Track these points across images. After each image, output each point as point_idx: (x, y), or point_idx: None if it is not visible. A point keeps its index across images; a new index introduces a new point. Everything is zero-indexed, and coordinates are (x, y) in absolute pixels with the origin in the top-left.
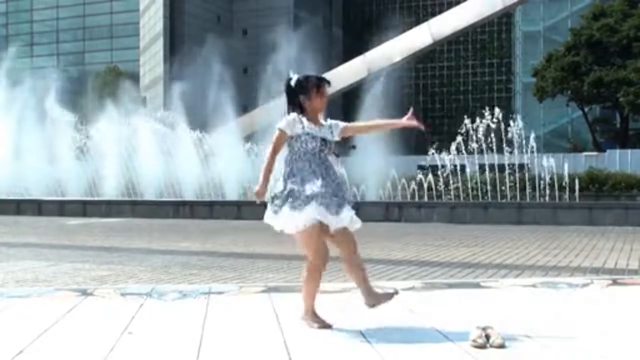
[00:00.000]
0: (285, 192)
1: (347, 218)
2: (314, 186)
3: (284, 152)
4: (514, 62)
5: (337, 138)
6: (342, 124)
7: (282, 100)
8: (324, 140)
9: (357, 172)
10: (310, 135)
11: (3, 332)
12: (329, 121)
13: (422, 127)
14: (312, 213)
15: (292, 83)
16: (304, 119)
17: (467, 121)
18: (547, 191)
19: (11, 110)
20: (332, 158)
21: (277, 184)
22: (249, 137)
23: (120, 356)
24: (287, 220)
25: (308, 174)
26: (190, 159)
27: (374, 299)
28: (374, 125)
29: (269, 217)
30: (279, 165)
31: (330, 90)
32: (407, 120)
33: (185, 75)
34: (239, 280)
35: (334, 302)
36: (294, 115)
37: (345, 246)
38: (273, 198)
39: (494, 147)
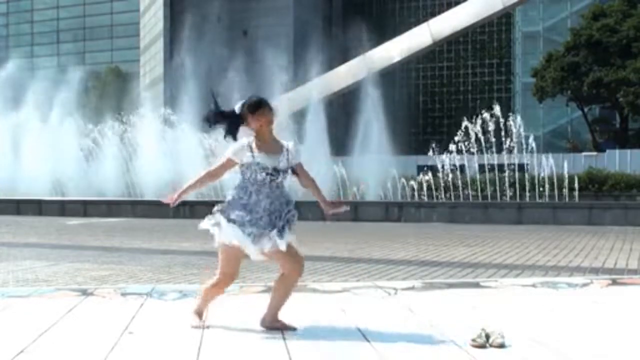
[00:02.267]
0: (223, 209)
1: (268, 245)
2: (247, 215)
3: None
4: (514, 63)
5: (290, 167)
6: (299, 163)
7: (285, 96)
8: (275, 170)
9: (357, 172)
10: (260, 166)
11: (4, 332)
12: (289, 146)
13: (342, 210)
14: (231, 236)
15: (236, 110)
16: (254, 146)
17: (466, 121)
18: (547, 191)
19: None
20: (287, 182)
21: (227, 198)
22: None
23: (121, 356)
24: (216, 232)
25: (253, 205)
26: (192, 159)
27: (271, 322)
28: (311, 187)
29: (205, 222)
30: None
31: (330, 90)
32: (329, 207)
33: (186, 75)
34: (239, 280)
35: (334, 301)
36: (243, 142)
37: (284, 267)
38: (217, 210)
39: (494, 148)
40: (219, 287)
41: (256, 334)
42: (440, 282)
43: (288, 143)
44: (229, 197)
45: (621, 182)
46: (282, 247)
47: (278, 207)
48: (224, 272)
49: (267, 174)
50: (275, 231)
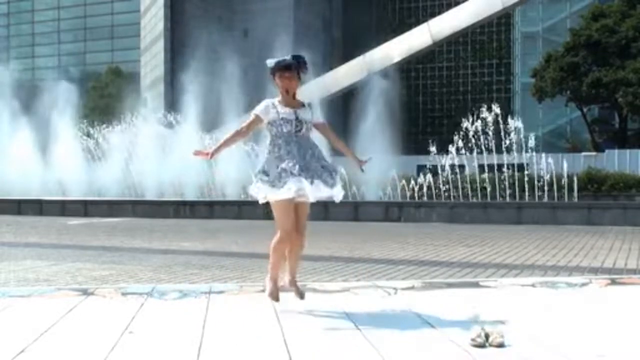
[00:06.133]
0: (264, 170)
1: (324, 190)
2: (288, 165)
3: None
4: (513, 63)
5: (313, 121)
6: (320, 118)
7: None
8: (299, 120)
9: (357, 172)
10: (284, 120)
11: (4, 332)
12: (312, 106)
13: (362, 168)
14: (286, 192)
15: (268, 65)
16: (278, 104)
17: (466, 121)
18: (546, 191)
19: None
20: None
21: (260, 162)
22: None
23: (121, 355)
24: (267, 194)
25: (285, 155)
26: (194, 159)
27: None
28: (340, 145)
29: (251, 189)
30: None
31: (330, 90)
32: (360, 163)
33: (187, 76)
34: (240, 280)
35: (334, 301)
36: (267, 101)
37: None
38: (257, 174)
39: (493, 148)
40: (283, 242)
41: (256, 334)
42: (439, 282)
43: (308, 102)
44: (262, 161)
45: (620, 182)
46: (337, 197)
47: (310, 155)
48: (283, 228)
49: (291, 125)
50: (320, 181)
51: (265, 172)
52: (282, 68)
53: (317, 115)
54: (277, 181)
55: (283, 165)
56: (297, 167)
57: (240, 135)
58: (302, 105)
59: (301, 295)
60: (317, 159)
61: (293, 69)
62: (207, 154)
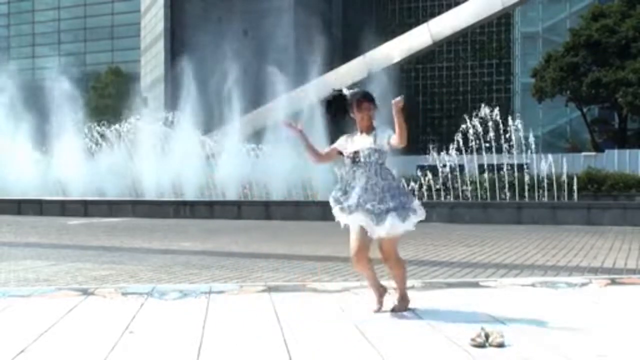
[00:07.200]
0: (336, 197)
1: (386, 227)
2: (354, 197)
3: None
4: (513, 63)
5: (386, 146)
6: (386, 133)
7: (283, 99)
8: (374, 150)
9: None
10: (355, 152)
11: (4, 331)
12: (383, 129)
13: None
14: (352, 220)
15: (346, 96)
16: (355, 137)
17: (466, 121)
18: (546, 191)
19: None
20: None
21: (336, 189)
22: (255, 135)
23: (121, 355)
24: (340, 219)
25: (354, 185)
26: (194, 159)
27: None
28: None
29: (335, 211)
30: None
31: (331, 90)
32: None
33: (187, 76)
34: (240, 280)
35: (334, 301)
36: (345, 136)
37: (381, 251)
38: (334, 199)
39: (493, 148)
40: (354, 265)
41: (256, 334)
42: (439, 282)
43: (384, 129)
44: (338, 186)
45: (620, 182)
46: (379, 232)
47: (379, 187)
48: (351, 248)
49: (362, 155)
50: (389, 214)
51: (337, 200)
52: (359, 99)
53: (390, 134)
54: (344, 211)
55: (350, 197)
56: (361, 200)
57: (318, 154)
58: (373, 131)
59: (393, 309)
60: (386, 193)
61: (368, 99)
62: (297, 127)
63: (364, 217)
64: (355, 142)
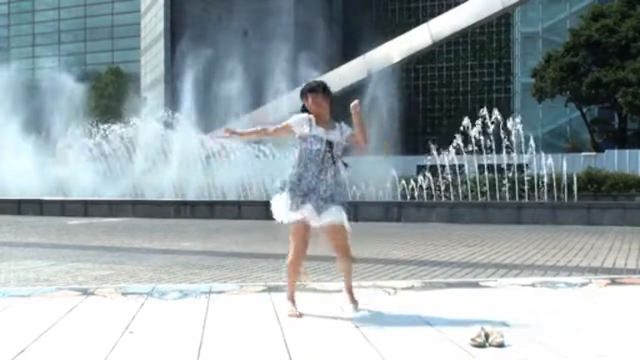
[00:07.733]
0: (287, 182)
1: (328, 218)
2: (306, 187)
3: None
4: (513, 63)
5: (344, 142)
6: (350, 130)
7: (281, 100)
8: (329, 143)
9: (357, 172)
10: (315, 138)
11: (5, 331)
12: (342, 124)
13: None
14: (299, 214)
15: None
16: (313, 122)
17: (466, 121)
18: (546, 191)
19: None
20: (339, 163)
21: (286, 174)
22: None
23: (121, 355)
24: (281, 209)
25: (306, 173)
26: (195, 160)
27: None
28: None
29: (274, 200)
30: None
31: (331, 91)
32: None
33: (187, 76)
34: (240, 280)
35: (334, 301)
36: (304, 115)
37: (332, 244)
38: (280, 183)
39: (493, 148)
40: (291, 263)
41: (256, 334)
42: (439, 282)
43: (343, 124)
44: (286, 176)
45: (620, 182)
46: (324, 219)
47: (328, 181)
48: (291, 246)
49: (321, 145)
50: (331, 206)
51: (282, 183)
52: (308, 89)
53: (348, 131)
54: (293, 201)
55: (297, 184)
56: (312, 191)
57: (264, 132)
58: (335, 126)
59: (356, 309)
60: (332, 186)
61: (318, 89)
62: (227, 130)
63: (311, 207)
64: (320, 131)
